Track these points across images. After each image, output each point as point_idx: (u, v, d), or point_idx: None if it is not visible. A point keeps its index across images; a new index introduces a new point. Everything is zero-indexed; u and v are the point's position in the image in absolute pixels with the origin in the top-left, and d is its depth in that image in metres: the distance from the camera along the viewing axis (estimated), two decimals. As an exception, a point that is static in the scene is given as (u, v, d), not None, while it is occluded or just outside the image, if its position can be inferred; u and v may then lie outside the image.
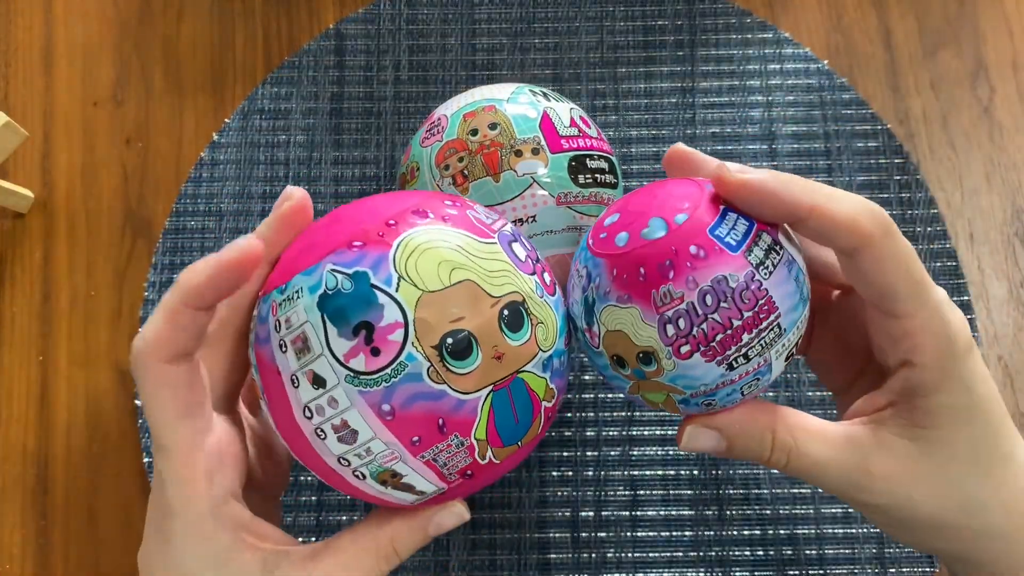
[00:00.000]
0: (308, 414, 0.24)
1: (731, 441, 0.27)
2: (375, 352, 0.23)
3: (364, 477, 0.24)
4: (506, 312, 0.24)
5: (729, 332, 0.24)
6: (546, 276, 0.26)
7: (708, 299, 0.23)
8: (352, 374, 0.23)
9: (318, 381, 0.23)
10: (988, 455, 0.26)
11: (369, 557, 0.26)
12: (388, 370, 0.23)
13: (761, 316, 0.24)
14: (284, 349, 0.24)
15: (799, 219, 0.24)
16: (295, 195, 0.27)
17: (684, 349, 0.24)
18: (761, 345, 0.24)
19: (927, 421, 0.26)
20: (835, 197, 0.24)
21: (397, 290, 0.23)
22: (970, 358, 0.25)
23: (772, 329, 0.24)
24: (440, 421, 0.23)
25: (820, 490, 0.41)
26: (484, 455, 0.24)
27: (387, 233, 0.24)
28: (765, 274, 0.24)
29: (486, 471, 0.25)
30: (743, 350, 0.24)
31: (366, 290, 0.23)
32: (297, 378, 0.24)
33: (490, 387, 0.23)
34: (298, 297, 0.24)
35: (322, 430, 0.24)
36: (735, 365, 0.24)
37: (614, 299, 0.25)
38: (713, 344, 0.24)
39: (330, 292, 0.23)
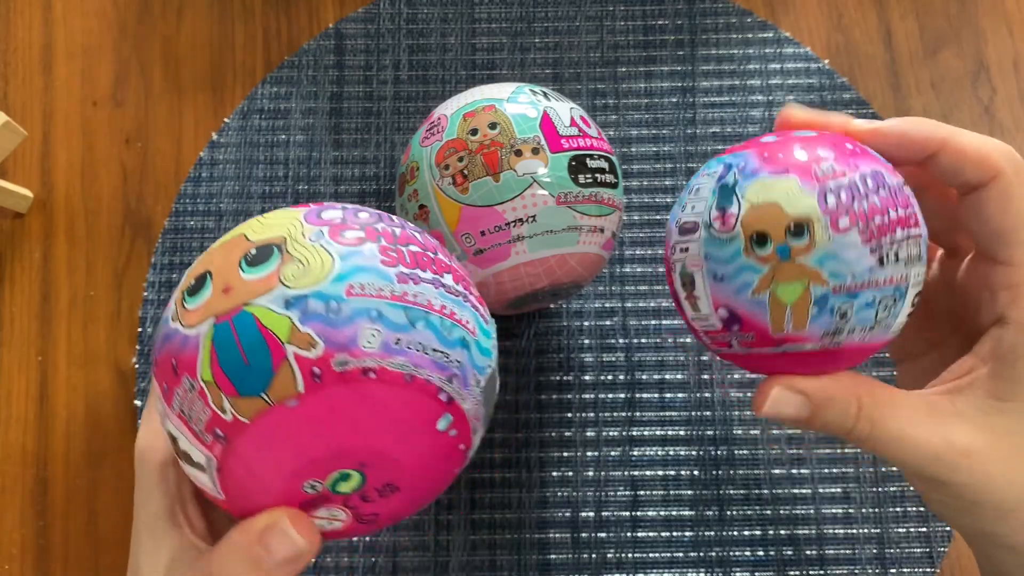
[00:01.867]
0: None
1: (816, 409, 0.25)
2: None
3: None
4: (253, 251, 0.22)
5: (886, 220, 0.23)
6: (348, 233, 0.23)
7: (869, 181, 0.23)
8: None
9: None
10: None
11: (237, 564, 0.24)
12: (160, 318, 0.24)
13: (912, 222, 0.23)
14: None
15: (931, 152, 0.24)
16: None
17: (843, 222, 0.22)
18: (908, 253, 0.23)
19: (1012, 392, 0.24)
20: (965, 131, 0.24)
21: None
22: None
23: (918, 243, 0.23)
24: (173, 361, 0.22)
25: (821, 490, 0.41)
26: (221, 406, 0.21)
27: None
28: (911, 192, 0.24)
29: (238, 434, 0.21)
30: (895, 246, 0.23)
31: None
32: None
33: (211, 319, 0.22)
34: None
35: None
36: (884, 262, 0.23)
37: (767, 171, 0.23)
38: (871, 226, 0.22)
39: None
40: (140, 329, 0.43)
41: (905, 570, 0.40)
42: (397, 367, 0.22)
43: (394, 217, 0.25)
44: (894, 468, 0.41)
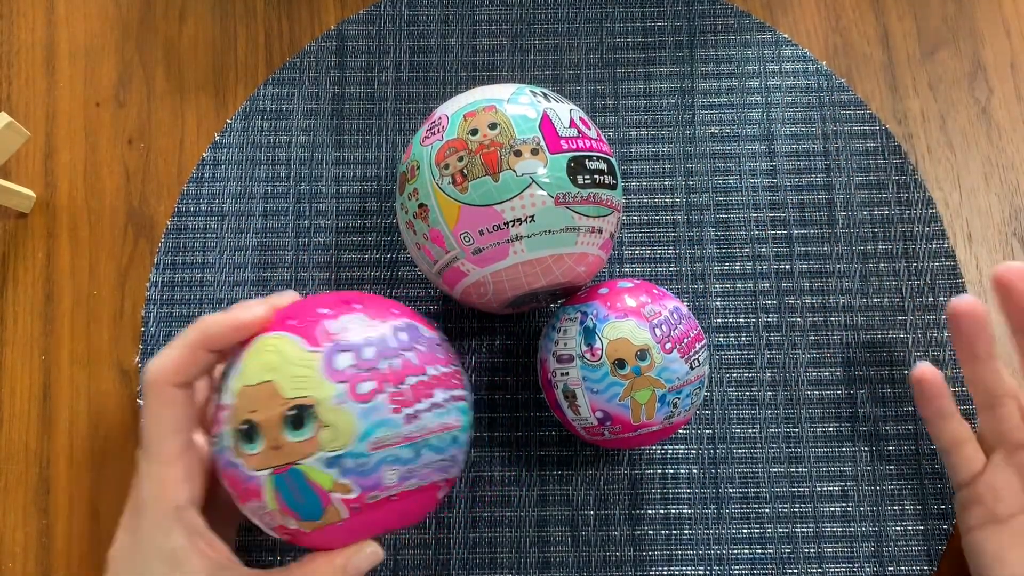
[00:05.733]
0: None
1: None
2: (215, 424, 0.31)
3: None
4: (291, 412, 0.28)
5: (687, 341, 0.35)
6: (363, 385, 0.29)
7: (675, 315, 0.35)
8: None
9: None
10: None
11: None
12: (215, 440, 0.30)
13: (700, 337, 0.36)
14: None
15: None
16: (292, 296, 0.34)
17: (667, 347, 0.34)
18: (701, 359, 0.35)
19: None
20: None
21: (235, 379, 0.30)
22: None
23: (705, 350, 0.36)
24: (242, 487, 0.30)
25: (819, 489, 0.41)
26: (286, 524, 0.29)
27: (281, 325, 0.31)
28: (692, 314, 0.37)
29: (300, 537, 0.30)
30: (696, 355, 0.35)
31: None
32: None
33: (271, 470, 0.29)
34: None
35: None
36: (693, 367, 0.35)
37: (613, 316, 0.35)
38: (683, 345, 0.34)
39: None
40: (143, 329, 0.43)
41: (903, 568, 0.40)
42: (411, 487, 0.30)
43: (396, 334, 0.31)
44: (891, 466, 0.41)
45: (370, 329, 0.30)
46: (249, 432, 0.29)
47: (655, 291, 0.36)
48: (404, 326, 0.31)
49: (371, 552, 0.31)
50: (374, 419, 0.29)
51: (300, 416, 0.28)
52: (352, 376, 0.29)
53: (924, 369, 0.38)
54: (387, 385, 0.29)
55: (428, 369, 0.31)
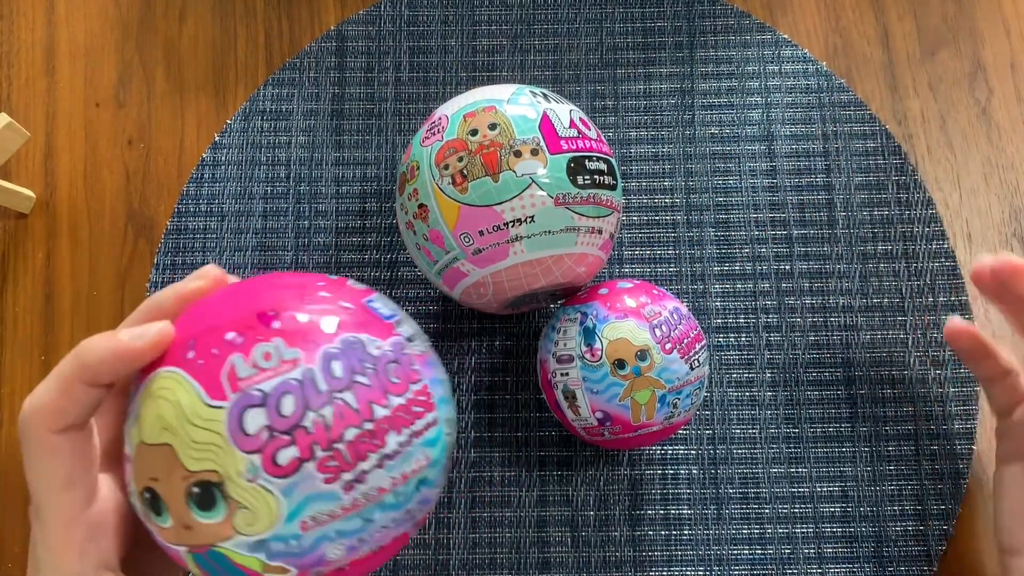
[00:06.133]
0: None
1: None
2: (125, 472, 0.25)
3: None
4: (195, 489, 0.22)
5: (687, 341, 0.35)
6: (283, 453, 0.22)
7: (675, 315, 0.35)
8: None
9: None
10: None
11: None
12: (129, 492, 0.25)
13: (701, 338, 0.36)
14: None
15: None
16: (209, 274, 0.27)
17: (667, 347, 0.34)
18: (701, 359, 0.35)
19: None
20: None
21: (133, 427, 0.24)
22: None
23: (706, 351, 0.36)
24: (170, 555, 0.25)
25: (819, 489, 0.41)
26: None
27: (179, 353, 0.24)
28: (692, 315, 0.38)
29: None
30: (696, 356, 0.35)
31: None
32: None
33: (187, 548, 0.23)
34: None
35: None
36: (692, 367, 0.35)
37: (613, 317, 0.35)
38: (683, 345, 0.35)
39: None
40: (142, 329, 0.43)
41: (903, 568, 0.40)
42: (365, 553, 0.24)
43: (329, 365, 0.23)
44: (891, 467, 0.41)
45: (289, 366, 0.23)
46: (154, 503, 0.23)
47: (655, 291, 0.36)
48: (340, 348, 0.24)
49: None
50: (300, 495, 0.22)
51: (207, 494, 0.22)
52: (266, 444, 0.22)
53: (953, 324, 0.37)
54: (316, 449, 0.22)
55: (375, 409, 0.24)
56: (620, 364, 0.34)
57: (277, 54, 0.47)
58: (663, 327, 0.34)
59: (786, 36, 0.47)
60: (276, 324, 0.24)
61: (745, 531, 0.40)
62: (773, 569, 0.40)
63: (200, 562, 0.23)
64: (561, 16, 0.47)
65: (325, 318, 0.24)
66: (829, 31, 0.47)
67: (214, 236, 0.44)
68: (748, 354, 0.43)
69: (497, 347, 0.43)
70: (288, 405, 0.22)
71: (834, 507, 0.41)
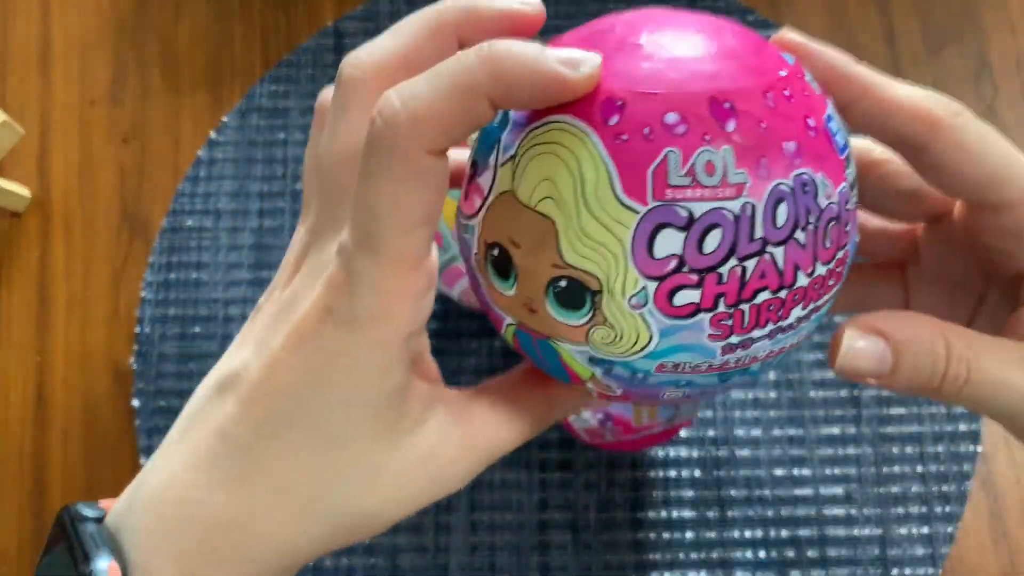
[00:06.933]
0: None
1: (899, 354, 0.21)
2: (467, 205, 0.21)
3: None
4: (562, 283, 0.18)
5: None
6: (683, 294, 0.18)
7: None
8: None
9: None
10: None
11: (526, 415, 0.23)
12: (464, 226, 0.21)
13: None
14: None
15: (850, 101, 0.21)
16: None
17: None
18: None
19: None
20: (891, 82, 0.21)
21: (504, 163, 0.19)
22: None
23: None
24: (483, 304, 0.21)
25: (822, 491, 0.40)
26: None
27: (596, 111, 0.18)
28: None
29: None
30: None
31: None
32: None
33: (516, 323, 0.20)
34: None
35: None
36: None
37: None
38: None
39: None
40: (138, 329, 0.43)
41: (907, 571, 0.40)
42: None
43: (776, 201, 0.18)
44: (896, 468, 0.41)
45: (732, 192, 0.17)
46: (502, 265, 0.19)
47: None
48: (791, 188, 0.18)
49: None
50: (677, 341, 0.19)
51: (575, 296, 0.19)
52: (670, 275, 0.18)
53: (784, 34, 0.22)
54: (720, 302, 0.18)
55: (798, 276, 0.18)
56: None
57: (274, 51, 0.47)
58: None
59: (789, 33, 0.47)
60: (730, 125, 0.17)
61: (748, 534, 0.40)
62: (777, 572, 0.40)
63: (522, 340, 0.20)
64: (562, 12, 0.47)
65: (787, 138, 0.18)
66: (834, 28, 0.47)
67: (210, 235, 0.44)
68: (751, 355, 0.42)
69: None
70: (712, 242, 0.17)
71: (838, 510, 0.40)
